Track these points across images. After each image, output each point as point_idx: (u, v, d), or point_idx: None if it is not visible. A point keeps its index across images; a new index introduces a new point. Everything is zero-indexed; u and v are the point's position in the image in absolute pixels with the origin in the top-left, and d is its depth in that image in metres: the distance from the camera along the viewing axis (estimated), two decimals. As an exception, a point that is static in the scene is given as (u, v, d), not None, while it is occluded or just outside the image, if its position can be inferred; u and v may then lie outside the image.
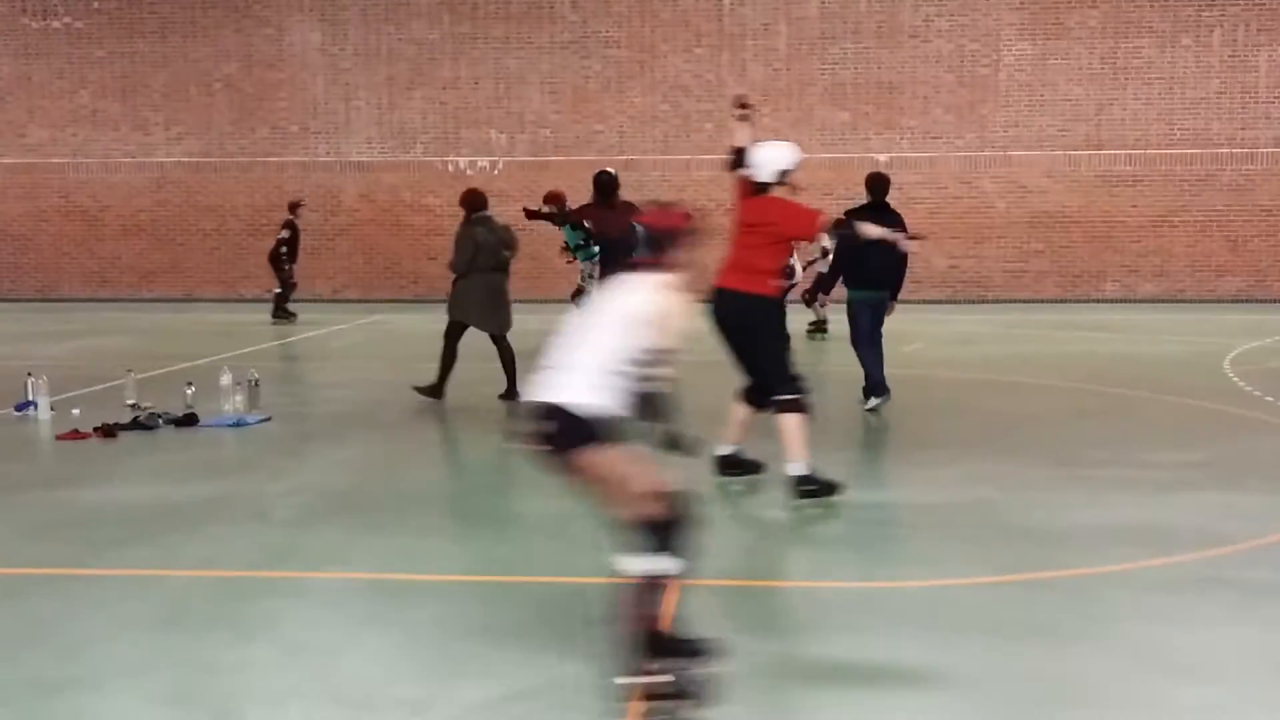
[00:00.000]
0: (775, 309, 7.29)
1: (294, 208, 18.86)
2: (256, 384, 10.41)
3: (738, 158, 7.54)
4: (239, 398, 10.30)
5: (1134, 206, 21.28)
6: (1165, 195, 21.18)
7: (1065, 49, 21.17)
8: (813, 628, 4.92)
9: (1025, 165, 21.37)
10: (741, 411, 7.34)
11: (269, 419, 9.80)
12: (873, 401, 10.15)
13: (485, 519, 6.69)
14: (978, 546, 5.99)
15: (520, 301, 11.49)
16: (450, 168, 22.20)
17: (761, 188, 7.34)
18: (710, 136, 21.87)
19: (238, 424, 9.61)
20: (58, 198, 22.93)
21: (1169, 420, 9.69)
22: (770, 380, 7.09)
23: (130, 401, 10.34)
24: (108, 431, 9.19)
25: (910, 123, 21.59)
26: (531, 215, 11.75)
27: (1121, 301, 21.01)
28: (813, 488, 6.72)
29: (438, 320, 19.18)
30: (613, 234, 11.18)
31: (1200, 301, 20.85)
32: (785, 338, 7.37)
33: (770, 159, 7.36)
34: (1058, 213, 21.37)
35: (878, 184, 10.42)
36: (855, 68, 21.61)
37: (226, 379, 10.64)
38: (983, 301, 21.14)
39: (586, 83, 22.00)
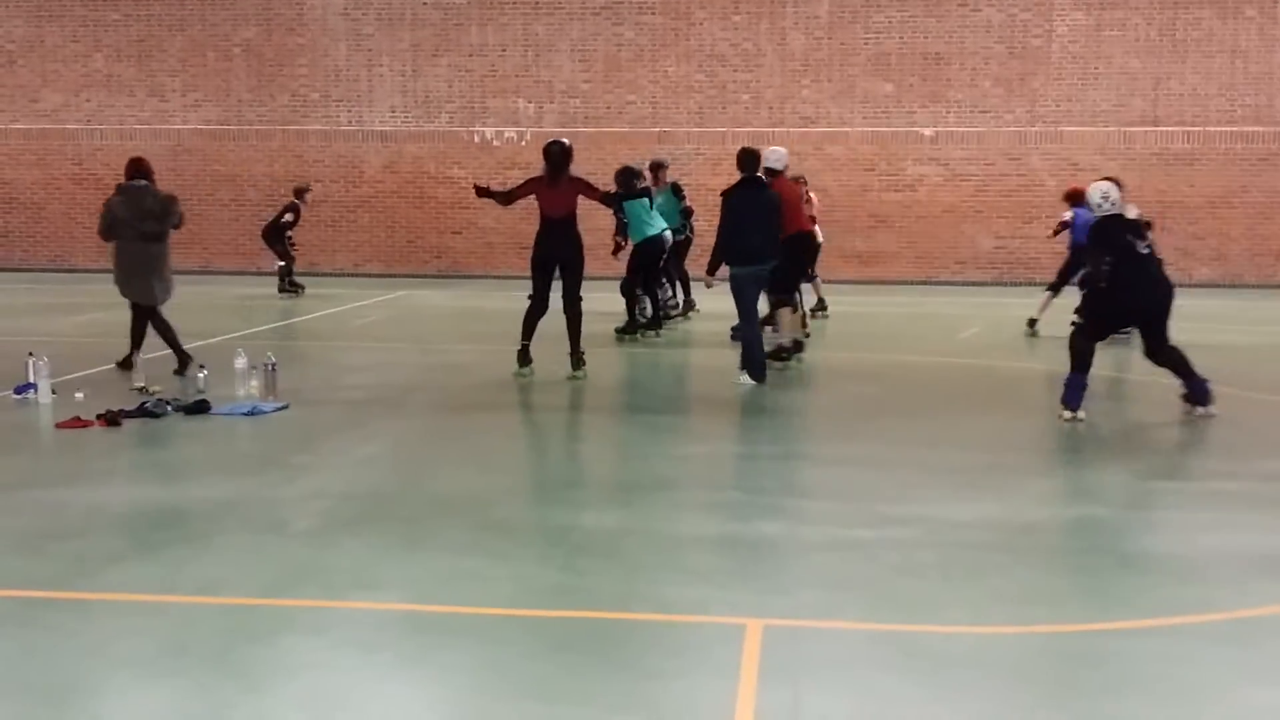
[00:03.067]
0: None
1: (300, 193, 18.15)
2: (274, 368, 9.65)
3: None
4: (254, 383, 9.56)
5: (1191, 186, 20.32)
6: (1225, 175, 20.21)
7: (1121, 19, 20.18)
8: (928, 688, 4.12)
9: (1077, 142, 20.42)
10: None
11: (286, 407, 9.05)
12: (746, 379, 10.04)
13: (529, 533, 5.92)
14: (1099, 579, 5.19)
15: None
16: (477, 138, 21.38)
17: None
18: (747, 108, 20.99)
19: (252, 412, 8.86)
20: (71, 165, 22.19)
21: (1274, 423, 8.85)
22: None
23: (138, 385, 9.61)
24: (111, 420, 8.45)
25: (957, 95, 20.65)
26: (481, 193, 10.98)
27: (1177, 286, 20.03)
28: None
29: (462, 297, 18.53)
30: (554, 213, 10.42)
31: (1260, 287, 19.91)
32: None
33: None
34: (1110, 192, 20.42)
35: (749, 159, 10.26)
36: (900, 37, 20.66)
37: (242, 362, 9.89)
38: (1030, 284, 20.20)
39: (619, 51, 21.12)
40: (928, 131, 20.74)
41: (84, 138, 22.11)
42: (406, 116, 21.58)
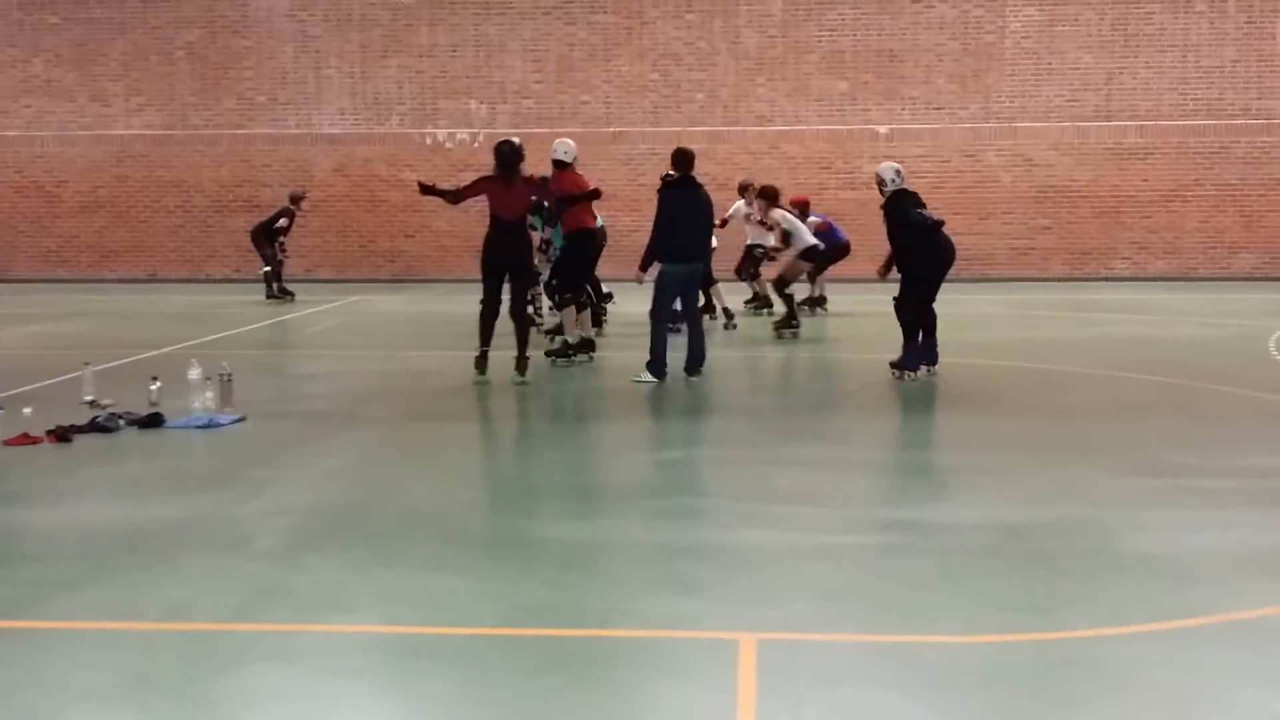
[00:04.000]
0: None
1: (296, 199, 17.82)
2: (229, 378, 9.35)
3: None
4: (209, 394, 9.25)
5: (1145, 180, 20.44)
6: (1178, 168, 20.35)
7: (1074, 14, 20.26)
8: (930, 702, 3.96)
9: (1031, 137, 20.47)
10: None
11: (243, 419, 8.76)
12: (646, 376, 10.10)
13: (504, 546, 5.70)
14: (1094, 584, 5.05)
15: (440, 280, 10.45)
16: (429, 140, 21.09)
17: None
18: (702, 107, 20.85)
19: (208, 425, 8.57)
20: (11, 173, 21.66)
21: (1245, 416, 8.81)
22: None
23: (88, 398, 9.27)
24: (62, 435, 8.13)
25: (912, 93, 20.64)
26: (426, 190, 10.81)
27: (1132, 280, 20.19)
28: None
29: (417, 301, 18.22)
30: (506, 215, 10.27)
31: (1214, 280, 20.06)
32: None
33: None
34: (1065, 187, 20.51)
35: (683, 159, 10.32)
36: (854, 34, 20.62)
37: (196, 373, 9.56)
38: (987, 280, 20.24)
39: (571, 50, 20.92)
40: (882, 129, 20.70)
41: (23, 144, 21.58)
42: (356, 119, 21.25)
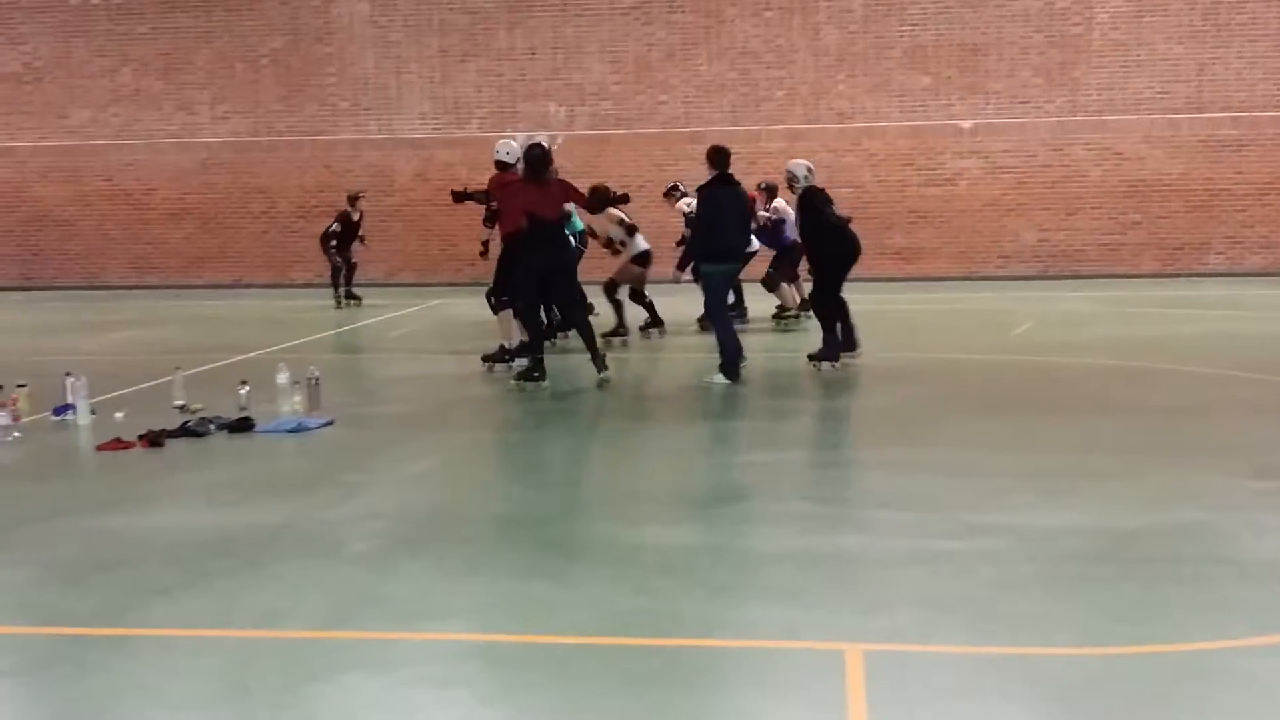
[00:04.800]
0: None
1: (352, 200, 17.98)
2: (317, 382, 9.39)
3: None
4: (298, 398, 9.30)
5: (1238, 173, 19.83)
6: (1273, 160, 19.72)
7: (1163, 4, 19.73)
8: (1051, 718, 3.78)
9: (1121, 130, 19.97)
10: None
11: (331, 422, 8.77)
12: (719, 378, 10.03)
13: (596, 552, 5.61)
14: (1218, 591, 4.83)
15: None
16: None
17: None
18: (781, 105, 20.64)
19: (297, 429, 8.59)
20: (101, 181, 22.08)
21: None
22: None
23: (179, 403, 9.36)
24: (154, 440, 8.20)
25: (996, 86, 20.24)
26: (458, 197, 10.90)
27: (1226, 275, 19.60)
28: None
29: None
30: (547, 214, 10.17)
31: (1313, 274, 19.41)
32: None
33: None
34: (1156, 181, 19.97)
35: (722, 157, 10.32)
36: (936, 29, 20.27)
37: (284, 377, 9.62)
38: (1076, 276, 19.79)
39: (649, 51, 20.83)
40: (966, 124, 20.34)
41: (113, 153, 21.98)
42: (437, 123, 21.35)
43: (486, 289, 11.62)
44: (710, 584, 5.05)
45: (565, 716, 3.84)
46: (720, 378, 10.01)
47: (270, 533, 5.94)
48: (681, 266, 10.69)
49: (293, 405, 9.25)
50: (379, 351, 13.66)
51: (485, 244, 11.71)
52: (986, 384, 10.09)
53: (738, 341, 10.28)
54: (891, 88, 20.47)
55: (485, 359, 11.40)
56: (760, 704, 3.87)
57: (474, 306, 15.30)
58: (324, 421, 8.80)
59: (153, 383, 10.34)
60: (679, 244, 13.96)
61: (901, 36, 20.36)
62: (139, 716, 3.91)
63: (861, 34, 20.41)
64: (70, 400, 9.16)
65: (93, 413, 9.09)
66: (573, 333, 11.90)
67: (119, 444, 8.14)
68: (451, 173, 21.30)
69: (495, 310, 11.45)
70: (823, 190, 10.92)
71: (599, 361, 10.15)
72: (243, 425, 8.63)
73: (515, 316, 11.22)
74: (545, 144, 10.93)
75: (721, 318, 10.40)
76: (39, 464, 7.84)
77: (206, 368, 11.41)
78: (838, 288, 10.78)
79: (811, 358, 10.78)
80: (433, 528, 6.00)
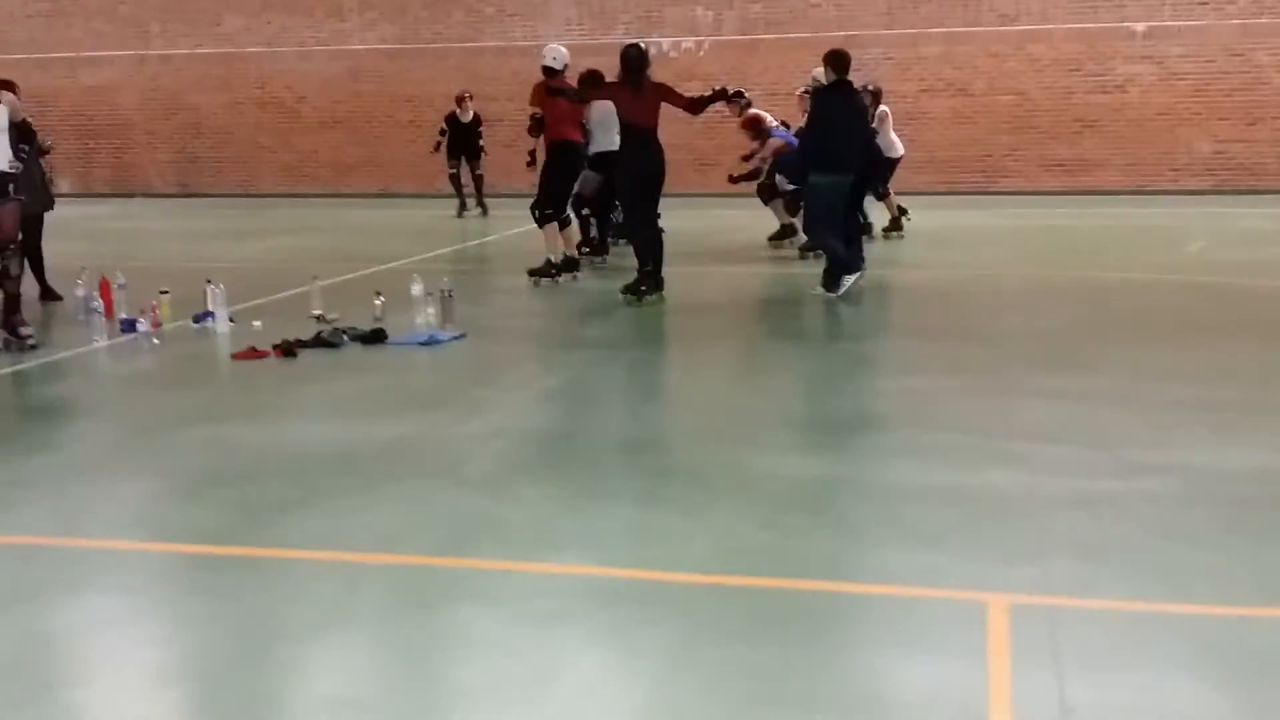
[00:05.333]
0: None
1: (459, 101, 17.82)
2: (450, 294, 9.25)
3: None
4: (431, 310, 9.18)
5: None
6: None
7: (1368, -108, 18.05)
8: (1228, 688, 3.37)
9: (1312, 32, 18.46)
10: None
11: (463, 336, 8.63)
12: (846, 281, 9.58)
13: (722, 481, 5.31)
14: None
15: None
16: (654, 50, 20.57)
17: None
18: (941, 6, 19.64)
19: (429, 341, 8.47)
20: (254, 89, 22.34)
21: None
22: None
23: (316, 313, 9.34)
24: (287, 350, 8.17)
25: (1174, -14, 18.88)
26: (552, 93, 10.48)
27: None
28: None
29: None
30: (641, 122, 9.69)
31: None
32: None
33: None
34: (1350, 87, 18.46)
35: (841, 61, 9.61)
36: (1111, -77, 18.95)
37: (418, 288, 9.52)
38: (1254, 192, 18.50)
39: (803, -48, 19.99)
40: (1140, 27, 19.05)
41: (266, 60, 22.18)
42: (582, 29, 20.94)
43: (531, 201, 11.29)
44: (844, 521, 4.72)
45: (681, 658, 3.58)
46: (823, 289, 9.64)
47: (393, 449, 5.81)
48: (799, 179, 10.14)
49: (426, 317, 9.15)
50: (518, 261, 13.48)
51: (532, 153, 11.40)
52: (1155, 306, 9.42)
53: (845, 253, 9.70)
54: (1060, -13, 19.27)
55: (531, 273, 11.00)
56: (891, 658, 3.55)
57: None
58: (456, 335, 8.66)
59: (293, 292, 10.35)
60: (745, 159, 13.13)
61: (1072, -68, 19.10)
62: (242, 643, 3.79)
63: (1029, -70, 19.22)
64: (210, 308, 9.22)
65: (231, 321, 9.13)
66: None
67: (253, 353, 8.13)
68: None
69: (541, 223, 11.12)
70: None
71: (655, 280, 9.81)
72: (376, 336, 8.54)
73: (561, 229, 11.03)
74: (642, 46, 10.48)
75: (824, 230, 9.76)
76: (173, 371, 7.88)
77: (346, 278, 11.40)
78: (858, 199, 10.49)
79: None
80: (555, 449, 5.78)
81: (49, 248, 10.66)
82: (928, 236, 14.02)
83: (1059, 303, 9.58)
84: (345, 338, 8.51)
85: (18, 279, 8.40)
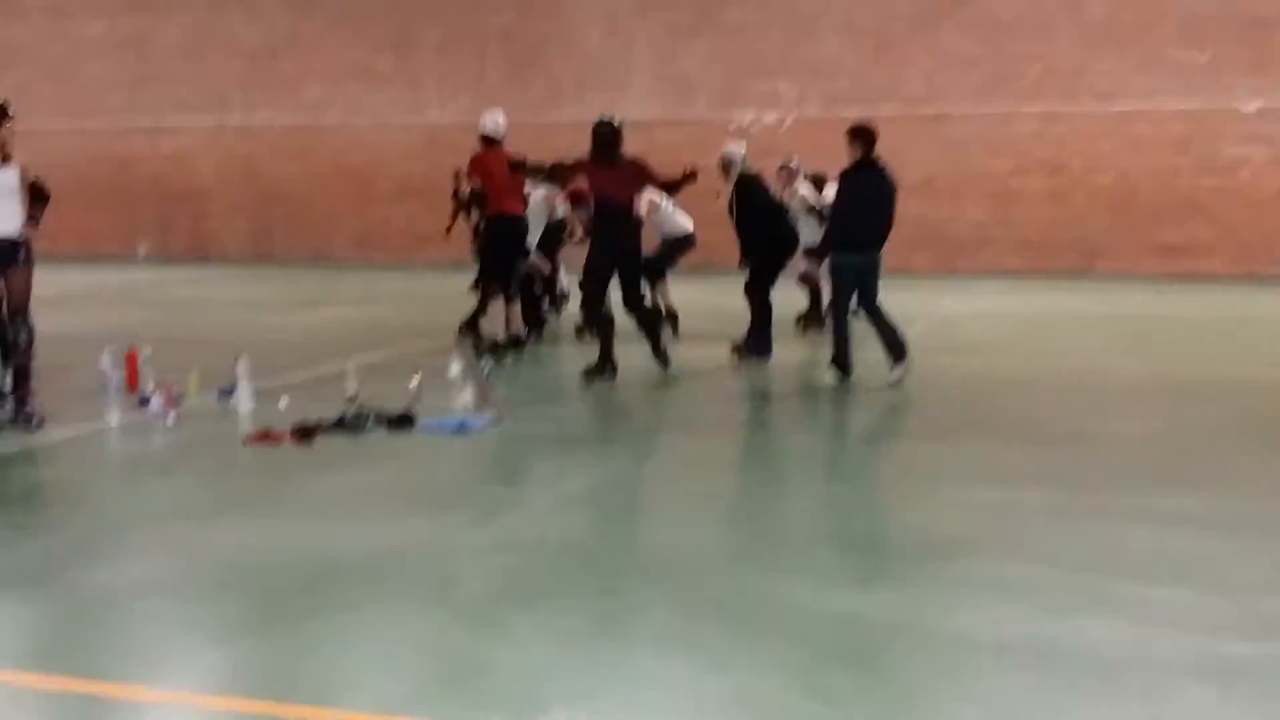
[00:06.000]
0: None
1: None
2: (489, 375, 8.54)
3: None
4: (469, 392, 8.46)
5: None
6: None
7: None
8: None
9: None
10: None
11: (500, 421, 7.87)
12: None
13: (758, 621, 4.40)
14: None
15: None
16: (733, 124, 19.98)
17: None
18: (1035, 84, 18.76)
19: (459, 429, 7.72)
20: (332, 158, 22.14)
21: None
22: None
23: (350, 393, 8.66)
24: (304, 434, 7.48)
25: (1288, 64, 17.81)
26: (516, 168, 10.30)
27: None
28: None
29: (711, 291, 17.16)
30: (618, 197, 9.39)
31: None
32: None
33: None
34: None
35: (868, 137, 9.35)
36: (1219, -2, 17.98)
37: (456, 368, 8.86)
38: (1379, 281, 17.18)
39: (889, 24, 19.29)
40: (1251, 106, 17.98)
41: (344, 131, 22.01)
42: (662, 103, 20.42)
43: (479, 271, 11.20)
44: (897, 684, 3.80)
45: None
46: (831, 374, 9.31)
47: (383, 561, 5.02)
48: (821, 256, 9.85)
49: (463, 400, 8.44)
50: (571, 340, 12.75)
51: (450, 226, 11.81)
52: None
53: (849, 340, 9.35)
54: (1163, 65, 18.31)
55: (493, 349, 10.55)
56: None
57: (685, 293, 14.27)
58: (489, 420, 7.90)
59: (337, 366, 9.70)
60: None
61: (1175, 7, 18.15)
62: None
63: (1129, 4, 18.32)
64: (235, 385, 8.60)
65: (258, 396, 8.49)
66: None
67: (268, 437, 7.46)
68: (674, 154, 20.31)
69: (482, 299, 11.16)
70: (758, 176, 10.85)
71: (662, 357, 9.62)
72: (403, 421, 7.83)
73: (507, 304, 10.84)
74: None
75: (842, 315, 9.35)
76: (175, 456, 7.21)
77: (396, 350, 10.77)
78: (773, 280, 10.50)
79: (735, 349, 10.43)
80: (568, 569, 4.94)
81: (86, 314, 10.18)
82: (1015, 320, 13.04)
83: (1166, 403, 8.56)
84: (370, 421, 7.81)
85: (28, 349, 7.85)
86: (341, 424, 7.74)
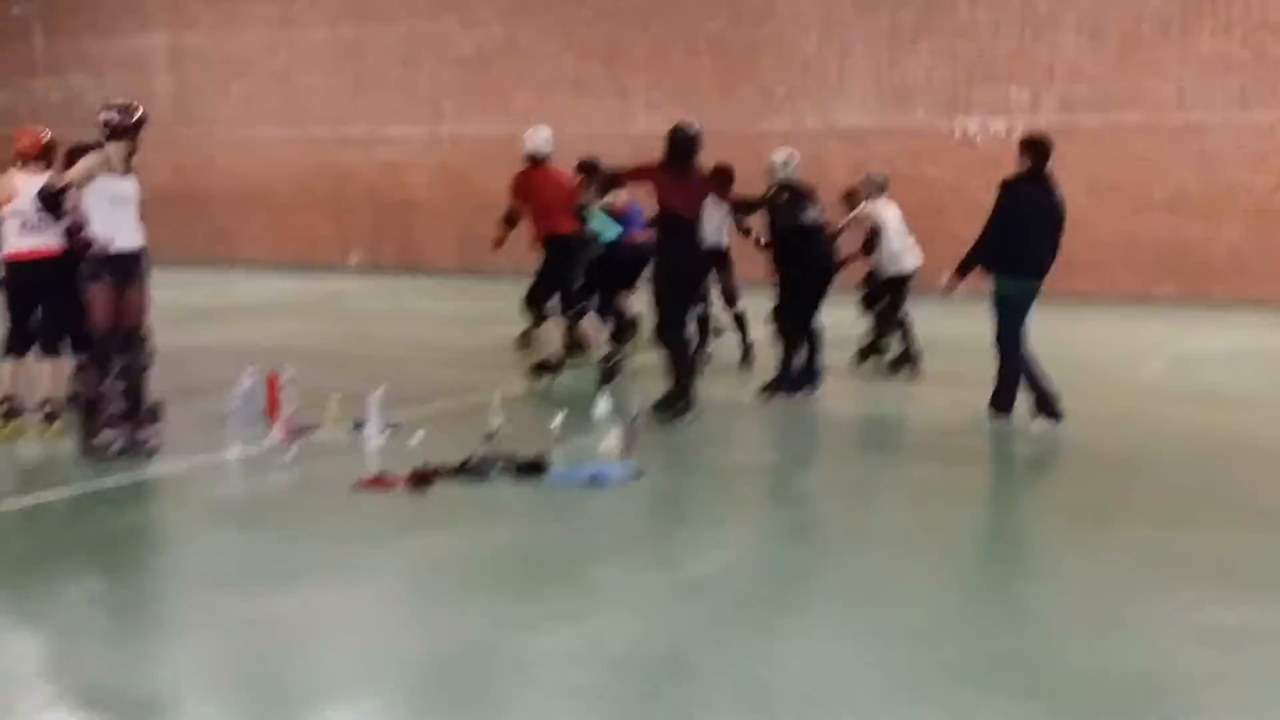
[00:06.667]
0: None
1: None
2: (637, 421, 7.61)
3: None
4: (613, 436, 7.56)
5: None
6: None
7: None
8: None
9: None
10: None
11: (638, 475, 6.93)
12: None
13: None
14: None
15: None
16: (957, 133, 18.49)
17: None
18: (1309, 88, 16.56)
19: (592, 480, 6.82)
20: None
21: None
22: None
23: (491, 429, 7.91)
24: (420, 480, 6.73)
25: None
26: (586, 171, 9.86)
27: None
28: None
29: (935, 319, 15.77)
30: (684, 211, 8.46)
31: None
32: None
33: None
34: None
35: (1039, 150, 8.26)
36: None
37: (603, 407, 7.99)
38: None
39: (1139, 25, 17.41)
40: None
41: (557, 144, 21.54)
42: (879, 111, 19.10)
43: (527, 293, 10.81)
44: None
45: None
46: (1044, 420, 8.18)
47: (433, 665, 4.16)
48: (961, 273, 8.38)
49: (607, 446, 7.55)
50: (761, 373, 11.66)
51: (501, 240, 10.96)
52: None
53: (1042, 376, 8.22)
54: None
55: (535, 368, 9.94)
56: None
57: (926, 323, 12.97)
58: (627, 472, 6.97)
59: (491, 393, 8.98)
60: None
61: None
62: None
63: None
64: (370, 415, 7.95)
65: (391, 428, 7.83)
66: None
67: (380, 482, 6.74)
68: (891, 165, 18.97)
69: (538, 321, 10.67)
70: (796, 189, 9.41)
71: (684, 397, 8.49)
72: (531, 469, 6.99)
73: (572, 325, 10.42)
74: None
75: (1014, 351, 8.22)
76: (272, 502, 6.58)
77: (562, 379, 10.00)
78: (807, 307, 9.21)
79: (763, 388, 9.33)
80: (652, 699, 3.94)
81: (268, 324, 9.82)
82: (1273, 363, 11.24)
83: None
84: (497, 468, 7.00)
85: (143, 371, 7.39)
86: (465, 468, 6.96)
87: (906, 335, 10.64)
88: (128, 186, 7.33)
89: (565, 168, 11.50)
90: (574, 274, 10.36)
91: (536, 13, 21.50)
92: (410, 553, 5.50)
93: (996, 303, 8.31)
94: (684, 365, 8.52)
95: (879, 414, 9.33)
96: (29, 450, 7.57)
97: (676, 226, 8.54)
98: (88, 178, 7.21)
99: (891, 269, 10.74)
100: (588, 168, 10.01)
